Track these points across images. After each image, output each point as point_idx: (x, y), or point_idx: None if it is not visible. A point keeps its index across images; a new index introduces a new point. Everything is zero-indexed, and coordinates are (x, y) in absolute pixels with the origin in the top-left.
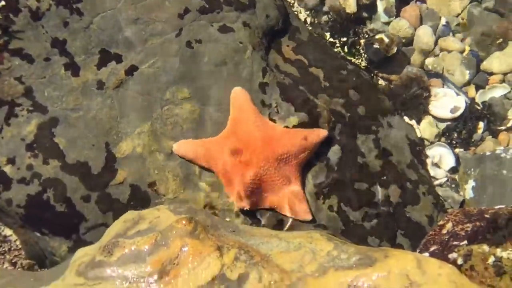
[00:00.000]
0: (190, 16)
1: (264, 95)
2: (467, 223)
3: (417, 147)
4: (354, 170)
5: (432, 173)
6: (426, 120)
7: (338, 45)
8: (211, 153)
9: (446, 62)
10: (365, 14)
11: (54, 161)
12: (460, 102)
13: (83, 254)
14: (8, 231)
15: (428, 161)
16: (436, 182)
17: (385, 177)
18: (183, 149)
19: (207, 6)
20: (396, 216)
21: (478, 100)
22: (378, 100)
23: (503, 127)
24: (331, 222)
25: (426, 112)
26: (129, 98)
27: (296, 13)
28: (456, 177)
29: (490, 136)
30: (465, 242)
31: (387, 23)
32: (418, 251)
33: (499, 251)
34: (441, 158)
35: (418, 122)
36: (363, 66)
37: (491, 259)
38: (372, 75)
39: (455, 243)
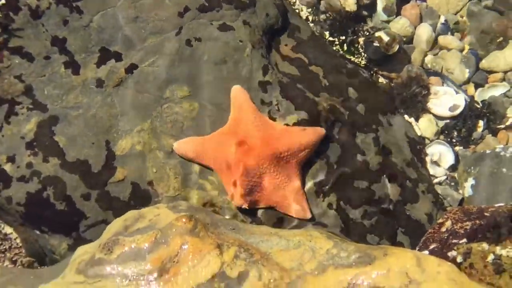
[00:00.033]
0: (190, 15)
1: (264, 93)
2: (467, 221)
3: (417, 145)
4: (353, 168)
5: (431, 171)
6: (426, 118)
7: (337, 43)
8: (211, 151)
9: (445, 61)
10: (364, 13)
11: (54, 159)
12: (460, 100)
13: (83, 252)
14: (8, 229)
15: (428, 159)
16: (435, 180)
17: (384, 175)
18: (183, 149)
19: (207, 4)
20: (396, 214)
21: (478, 98)
22: (378, 98)
23: (502, 126)
24: (330, 220)
25: (426, 110)
26: (129, 96)
27: (297, 11)
28: (456, 175)
29: (490, 135)
30: (465, 240)
31: (386, 22)
32: (417, 249)
33: (498, 249)
34: (440, 156)
35: (418, 120)
36: (363, 65)
37: (490, 257)
38: (372, 72)
39: (454, 241)
